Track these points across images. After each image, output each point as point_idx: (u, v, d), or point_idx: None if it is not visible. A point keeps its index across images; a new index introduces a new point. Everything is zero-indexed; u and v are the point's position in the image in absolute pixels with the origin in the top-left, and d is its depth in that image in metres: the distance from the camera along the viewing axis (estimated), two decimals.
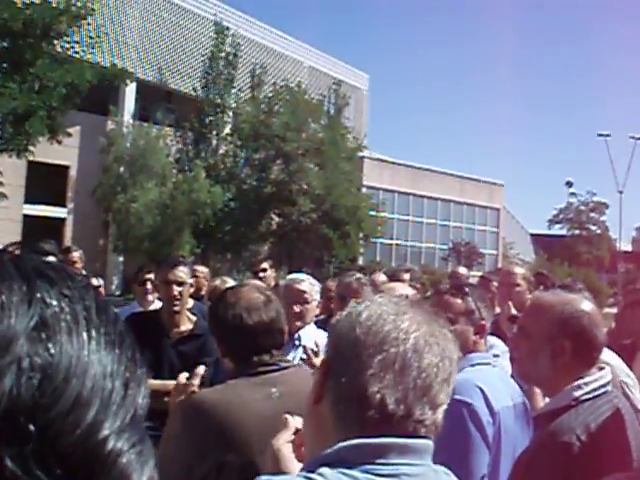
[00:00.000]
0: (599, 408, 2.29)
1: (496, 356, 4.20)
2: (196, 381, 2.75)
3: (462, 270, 8.31)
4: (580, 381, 2.33)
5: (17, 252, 0.63)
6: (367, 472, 1.30)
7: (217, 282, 6.14)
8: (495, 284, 5.81)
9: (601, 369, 2.39)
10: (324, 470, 1.30)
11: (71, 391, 0.55)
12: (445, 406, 1.39)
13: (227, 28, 30.55)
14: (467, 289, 3.19)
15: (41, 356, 0.55)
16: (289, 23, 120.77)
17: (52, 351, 0.56)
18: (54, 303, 0.58)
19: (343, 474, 1.29)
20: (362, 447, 1.32)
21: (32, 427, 0.53)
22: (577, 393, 2.32)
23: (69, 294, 0.60)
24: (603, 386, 2.35)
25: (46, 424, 0.54)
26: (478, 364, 2.97)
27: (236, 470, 2.34)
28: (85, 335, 0.58)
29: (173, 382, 4.14)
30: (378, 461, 1.31)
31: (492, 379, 2.94)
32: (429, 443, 1.37)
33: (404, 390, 1.33)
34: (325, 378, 1.43)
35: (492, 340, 4.30)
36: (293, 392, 2.42)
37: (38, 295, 0.58)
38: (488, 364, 3.07)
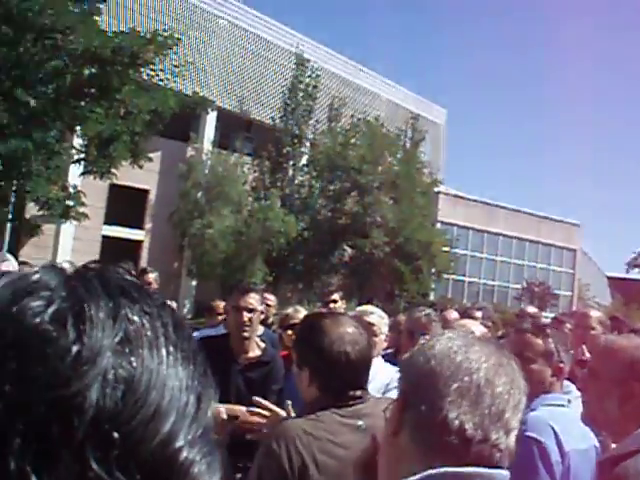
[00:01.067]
0: None
1: (568, 402, 4.14)
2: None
3: (531, 309, 8.16)
4: None
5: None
6: None
7: (290, 310, 6.17)
8: (569, 326, 5.70)
9: None
10: None
11: (151, 402, 0.59)
12: (516, 431, 1.46)
13: (307, 60, 30.94)
14: (549, 330, 3.16)
15: (125, 369, 0.59)
16: (368, 56, 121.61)
17: (134, 364, 0.60)
18: (136, 319, 0.63)
19: None
20: (448, 475, 1.39)
21: (116, 434, 0.57)
22: None
23: (149, 311, 0.64)
24: None
25: (128, 432, 0.57)
26: (553, 405, 2.95)
27: None
28: (164, 350, 0.63)
29: (239, 407, 4.20)
30: None
31: (565, 420, 2.91)
32: (507, 474, 1.45)
33: (480, 416, 1.41)
34: (402, 410, 1.51)
35: (567, 384, 4.23)
36: (377, 424, 2.43)
37: (122, 312, 0.62)
38: (563, 405, 3.03)
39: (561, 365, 2.99)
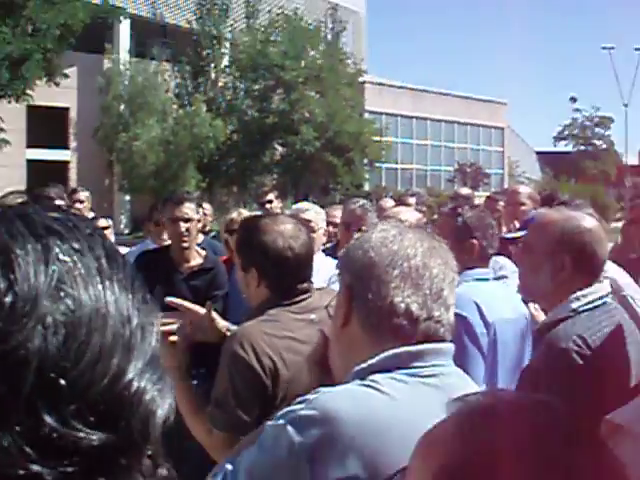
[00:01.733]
0: (597, 317, 2.35)
1: (504, 277, 4.28)
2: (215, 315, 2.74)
3: (464, 191, 8.29)
4: (578, 293, 2.39)
5: (19, 200, 0.67)
6: (411, 375, 1.50)
7: (234, 214, 6.16)
8: (502, 204, 5.83)
9: (600, 282, 2.45)
10: (375, 377, 1.49)
11: (95, 343, 0.58)
12: (453, 307, 1.60)
13: None
14: (460, 210, 3.27)
15: (62, 313, 0.58)
16: None
17: (72, 307, 0.58)
18: (67, 259, 0.61)
19: (393, 379, 1.49)
20: (403, 354, 1.51)
21: (63, 381, 0.56)
22: (575, 305, 2.38)
23: (79, 247, 0.62)
24: (601, 298, 2.41)
25: (76, 377, 0.57)
26: (476, 279, 3.07)
27: (286, 382, 2.40)
28: (100, 286, 0.61)
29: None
30: (418, 364, 1.52)
31: (488, 293, 3.05)
32: (451, 346, 1.60)
33: (423, 296, 1.53)
34: (349, 302, 1.60)
35: (501, 260, 4.35)
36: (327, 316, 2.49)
37: (52, 253, 0.60)
38: (486, 280, 3.16)
39: (474, 242, 3.10)
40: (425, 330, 1.53)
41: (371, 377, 1.48)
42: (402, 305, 1.52)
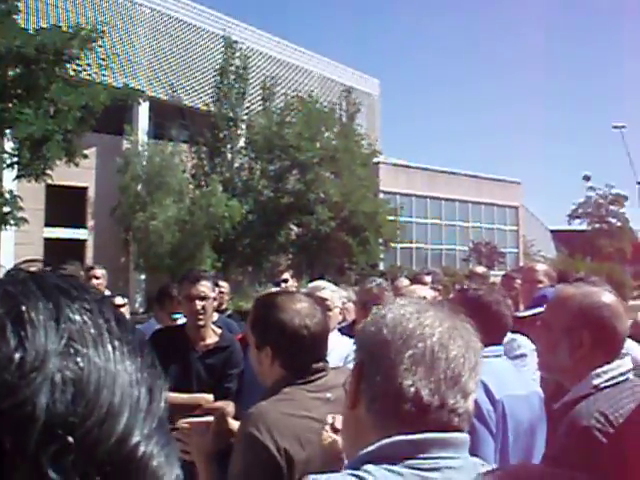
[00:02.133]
0: (619, 394, 2.30)
1: (523, 355, 4.23)
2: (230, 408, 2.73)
3: (480, 269, 8.30)
4: (599, 370, 2.35)
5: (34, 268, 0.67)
6: (410, 467, 1.36)
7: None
8: (519, 282, 5.81)
9: (621, 358, 2.42)
10: (369, 467, 1.36)
11: (103, 401, 0.58)
12: (475, 395, 1.47)
13: (235, 42, 30.68)
14: (473, 287, 3.26)
15: (72, 370, 0.58)
16: (297, 33, 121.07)
17: (81, 365, 0.58)
18: (78, 318, 0.61)
19: (388, 470, 1.35)
20: (403, 443, 1.38)
21: (70, 439, 0.55)
22: (596, 381, 2.34)
23: (90, 308, 0.63)
24: (622, 374, 2.37)
25: (83, 434, 0.56)
26: (485, 357, 3.04)
27: (302, 463, 2.35)
28: (109, 346, 0.61)
29: (202, 395, 4.22)
30: (419, 456, 1.37)
31: (497, 370, 3.00)
32: (465, 437, 1.44)
33: (436, 381, 1.40)
34: (359, 382, 1.50)
35: (519, 339, 4.32)
36: (343, 395, 2.45)
37: (63, 312, 0.60)
38: (498, 357, 3.13)
39: (486, 319, 3.07)
40: (436, 419, 1.40)
41: (365, 467, 1.36)
42: (411, 389, 1.40)
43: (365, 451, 1.41)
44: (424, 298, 2.91)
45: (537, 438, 2.90)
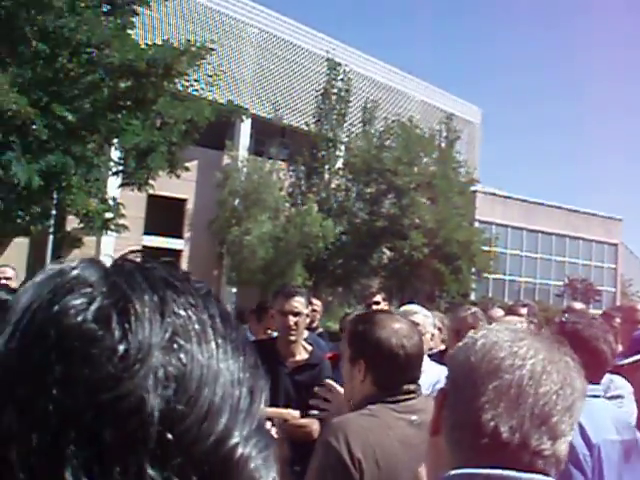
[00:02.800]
0: None
1: (620, 397, 4.08)
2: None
3: (578, 305, 8.06)
4: None
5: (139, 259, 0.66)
6: None
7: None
8: (618, 320, 5.63)
9: None
10: None
11: (204, 399, 0.57)
12: (569, 437, 1.33)
13: (339, 64, 30.95)
14: (573, 320, 3.15)
15: (175, 366, 0.57)
16: (401, 58, 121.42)
17: (184, 361, 0.57)
18: (183, 313, 0.60)
19: None
20: (471, 476, 1.29)
21: (170, 435, 0.54)
22: None
23: (195, 303, 0.61)
24: None
25: (182, 432, 0.55)
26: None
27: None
28: (213, 344, 0.60)
29: (288, 411, 4.21)
30: None
31: (594, 412, 2.87)
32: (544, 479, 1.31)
33: (519, 418, 1.29)
34: (441, 410, 1.43)
35: (617, 379, 4.17)
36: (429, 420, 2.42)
37: (168, 306, 0.59)
38: (596, 397, 2.99)
39: (584, 355, 2.93)
40: (516, 459, 1.28)
41: None
42: (491, 424, 1.29)
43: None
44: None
45: None
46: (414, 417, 2.46)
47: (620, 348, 4.78)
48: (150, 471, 0.53)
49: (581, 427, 2.73)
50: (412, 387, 2.54)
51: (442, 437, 1.41)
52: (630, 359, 3.75)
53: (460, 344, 1.48)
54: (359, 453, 2.34)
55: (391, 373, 2.53)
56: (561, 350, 1.39)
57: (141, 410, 0.54)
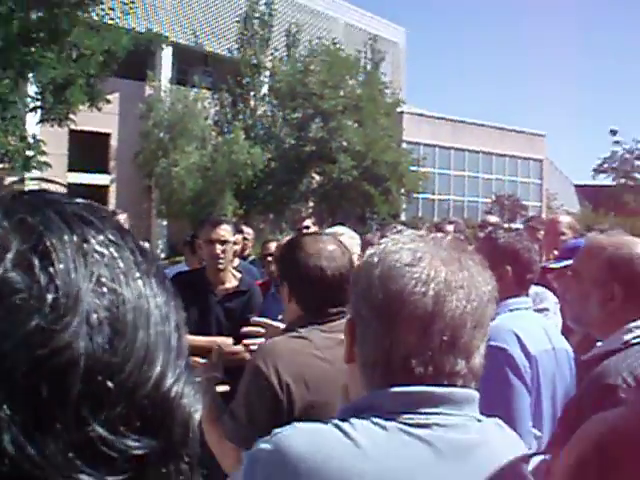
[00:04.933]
0: None
1: (545, 310, 4.18)
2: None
3: (493, 219, 8.20)
4: (631, 324, 2.28)
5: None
6: (396, 421, 1.27)
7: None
8: (541, 233, 5.75)
9: None
10: (354, 420, 1.29)
11: (140, 342, 0.54)
12: (482, 349, 1.33)
13: None
14: (493, 235, 3.18)
15: (106, 309, 0.53)
16: None
17: (115, 303, 0.53)
18: (105, 252, 0.55)
19: (372, 422, 1.27)
20: (395, 395, 1.29)
21: (110, 384, 0.51)
22: (627, 337, 2.27)
23: (114, 239, 0.57)
24: None
25: (123, 379, 0.52)
26: (515, 309, 2.96)
27: (311, 409, 2.33)
28: (140, 281, 0.56)
29: (221, 338, 4.22)
30: (409, 410, 1.28)
31: (529, 324, 2.94)
32: (470, 392, 1.32)
33: (429, 349, 1.27)
34: (352, 341, 1.40)
35: (542, 292, 4.27)
36: None
37: (90, 245, 0.55)
38: (527, 309, 3.05)
39: (507, 269, 2.98)
40: (433, 386, 1.29)
41: (351, 419, 1.28)
42: (402, 361, 1.28)
43: (355, 402, 1.36)
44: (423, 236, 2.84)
45: (567, 395, 2.86)
46: (342, 336, 2.47)
47: (544, 259, 4.89)
48: (94, 424, 0.50)
49: (519, 339, 2.79)
50: (337, 309, 2.52)
51: (356, 367, 1.39)
52: (561, 263, 3.83)
53: (362, 262, 1.43)
54: (287, 377, 2.35)
55: (312, 294, 2.53)
56: (463, 259, 1.35)
57: (79, 362, 0.50)
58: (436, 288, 1.29)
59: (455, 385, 1.30)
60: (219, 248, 4.43)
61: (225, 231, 4.51)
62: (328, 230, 5.20)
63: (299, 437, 1.31)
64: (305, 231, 6.77)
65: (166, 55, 29.95)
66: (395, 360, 1.29)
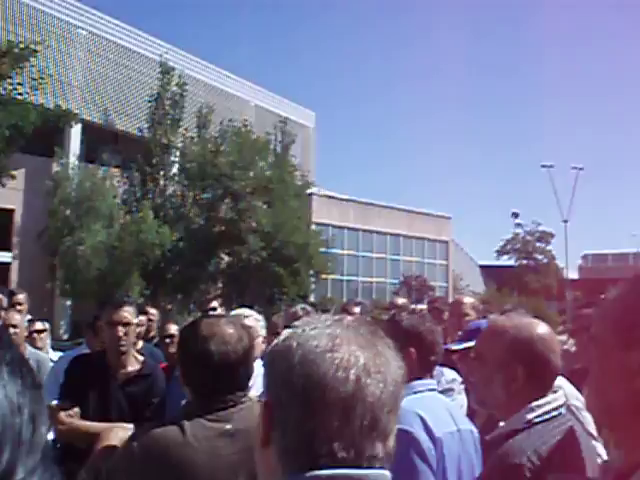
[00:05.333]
0: (551, 430, 2.28)
1: (451, 390, 4.21)
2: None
3: (400, 300, 8.30)
4: (533, 404, 2.32)
5: None
6: None
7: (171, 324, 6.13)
8: (446, 314, 5.83)
9: (555, 392, 2.39)
10: None
11: None
12: (395, 430, 1.34)
13: (173, 68, 30.55)
14: (397, 317, 3.21)
15: None
16: (235, 63, 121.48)
17: None
18: None
19: None
20: (312, 478, 1.27)
21: None
22: (530, 416, 2.31)
23: None
24: (556, 409, 2.34)
25: None
26: (420, 391, 2.97)
27: None
28: None
29: (120, 425, 4.07)
30: None
31: (433, 406, 2.94)
32: (384, 473, 1.32)
33: (351, 434, 1.28)
34: (270, 424, 1.37)
35: (447, 372, 4.31)
36: (248, 428, 2.35)
37: None
38: (432, 390, 3.06)
39: (411, 350, 2.99)
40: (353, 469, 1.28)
41: None
42: (324, 447, 1.28)
43: None
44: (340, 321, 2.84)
45: (468, 473, 2.86)
46: (228, 426, 2.40)
47: (449, 340, 4.95)
48: None
49: (424, 421, 2.78)
50: (233, 396, 2.47)
51: (273, 452, 1.35)
52: (463, 345, 3.88)
53: (277, 347, 1.41)
54: (165, 469, 2.33)
55: (201, 380, 2.46)
56: (379, 344, 1.38)
57: None
58: (356, 373, 1.30)
59: (374, 467, 1.30)
60: (121, 330, 4.29)
61: (128, 313, 4.38)
62: (233, 312, 5.14)
63: None
64: (211, 313, 6.70)
65: (75, 132, 29.72)
66: (318, 445, 1.28)
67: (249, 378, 2.56)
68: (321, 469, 1.27)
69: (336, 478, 1.27)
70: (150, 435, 2.41)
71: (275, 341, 1.45)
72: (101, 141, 30.40)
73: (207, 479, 2.30)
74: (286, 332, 1.43)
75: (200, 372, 2.46)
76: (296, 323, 1.44)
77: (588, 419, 3.34)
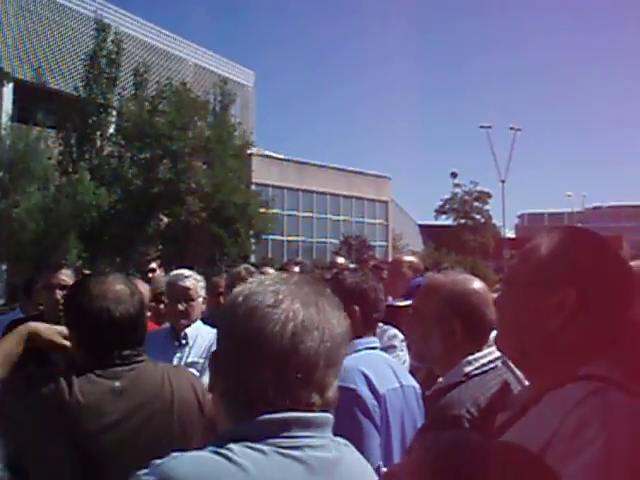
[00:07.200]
0: (488, 382, 2.34)
1: (393, 347, 4.28)
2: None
3: (340, 260, 8.37)
4: (470, 357, 2.39)
5: None
6: (271, 445, 1.36)
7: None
8: (386, 273, 5.90)
9: (490, 346, 2.45)
10: (232, 445, 1.36)
11: None
12: (335, 384, 1.45)
13: (108, 25, 29.84)
14: (340, 276, 3.24)
15: None
16: (173, 21, 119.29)
17: None
18: None
19: (250, 448, 1.35)
20: (265, 422, 1.37)
21: None
22: (467, 369, 2.37)
23: None
24: (492, 362, 2.41)
25: None
26: (363, 349, 3.01)
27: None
28: None
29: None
30: (281, 435, 1.38)
31: (377, 363, 3.00)
32: (329, 416, 1.45)
33: (286, 384, 1.38)
34: (216, 372, 1.48)
35: (389, 329, 4.37)
36: (138, 387, 2.39)
37: None
38: (374, 349, 3.11)
39: (355, 308, 3.02)
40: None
41: (228, 445, 1.35)
42: (260, 394, 1.38)
43: (228, 429, 1.42)
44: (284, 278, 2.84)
45: (411, 429, 2.92)
46: (117, 383, 2.38)
47: (389, 298, 5.01)
48: None
49: (367, 378, 2.83)
50: (125, 353, 2.43)
51: (216, 397, 1.48)
52: (405, 301, 3.93)
53: (226, 305, 1.52)
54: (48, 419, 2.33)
55: (93, 337, 2.42)
56: (321, 301, 1.47)
57: None
58: (293, 329, 1.40)
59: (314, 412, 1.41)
60: (59, 293, 4.25)
61: (65, 275, 4.33)
62: (172, 273, 5.11)
63: (184, 466, 1.35)
64: (151, 275, 6.65)
65: (7, 91, 28.94)
66: (254, 392, 1.39)
67: (140, 338, 2.52)
68: (262, 414, 1.38)
69: (288, 420, 1.38)
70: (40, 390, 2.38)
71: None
72: (34, 100, 29.64)
73: (91, 435, 2.31)
74: (237, 288, 1.53)
75: (87, 328, 2.43)
76: (249, 280, 1.54)
77: None
